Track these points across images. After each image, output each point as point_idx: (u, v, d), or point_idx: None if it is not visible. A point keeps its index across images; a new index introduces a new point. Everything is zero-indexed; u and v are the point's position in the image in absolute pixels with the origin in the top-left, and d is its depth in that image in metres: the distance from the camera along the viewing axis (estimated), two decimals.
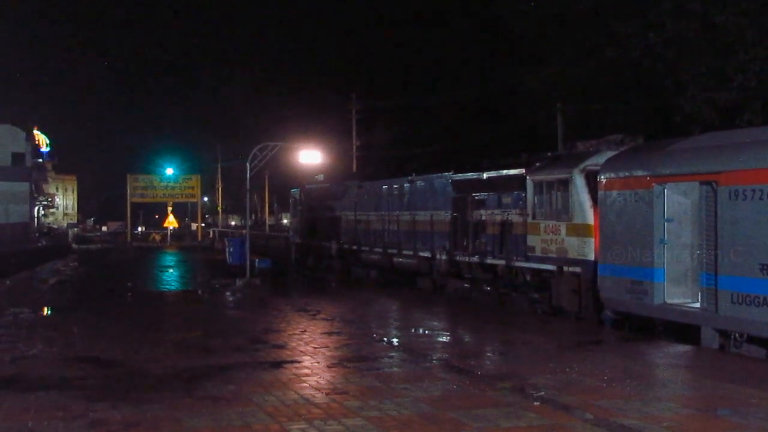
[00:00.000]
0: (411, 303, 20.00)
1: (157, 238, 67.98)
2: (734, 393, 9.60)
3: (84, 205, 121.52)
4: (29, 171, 64.59)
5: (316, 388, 9.86)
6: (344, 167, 44.45)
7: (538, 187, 17.51)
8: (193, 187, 63.44)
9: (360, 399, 9.28)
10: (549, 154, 19.17)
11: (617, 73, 29.33)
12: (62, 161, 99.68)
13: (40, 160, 77.23)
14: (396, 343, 13.60)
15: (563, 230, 16.68)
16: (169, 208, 63.31)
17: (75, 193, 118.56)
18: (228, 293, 22.37)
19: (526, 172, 18.10)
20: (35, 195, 69.57)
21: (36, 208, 71.18)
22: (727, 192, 12.25)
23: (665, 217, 13.83)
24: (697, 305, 13.18)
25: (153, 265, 36.58)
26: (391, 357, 12.23)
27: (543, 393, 9.53)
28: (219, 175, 77.86)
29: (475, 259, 19.98)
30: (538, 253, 17.45)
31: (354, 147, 48.00)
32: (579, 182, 16.35)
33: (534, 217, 17.63)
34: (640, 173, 14.25)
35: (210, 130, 78.34)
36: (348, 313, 18.00)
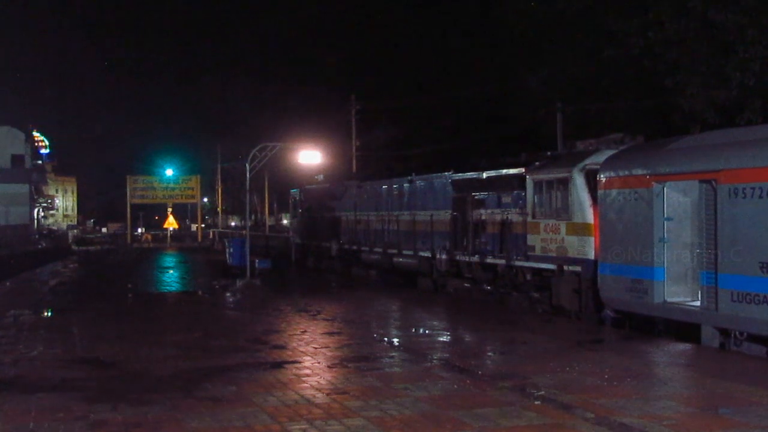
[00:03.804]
0: (411, 303, 20.00)
1: (150, 238, 68.01)
2: (735, 391, 9.61)
3: (84, 207, 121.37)
4: (29, 173, 64.57)
5: (317, 389, 9.87)
6: (344, 167, 44.45)
7: (538, 186, 17.52)
8: (192, 188, 63.45)
9: (361, 399, 9.28)
10: (548, 153, 19.18)
11: (617, 73, 29.30)
12: (62, 163, 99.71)
13: (40, 161, 77.22)
14: (396, 343, 13.61)
15: (563, 229, 16.69)
16: (169, 209, 63.32)
17: (75, 194, 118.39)
18: (228, 294, 22.37)
19: (525, 172, 18.11)
20: (35, 197, 69.55)
21: (36, 210, 71.18)
22: (727, 190, 12.25)
23: (665, 215, 13.84)
24: (698, 304, 13.19)
25: (153, 267, 36.58)
26: (392, 357, 12.24)
27: (544, 392, 9.53)
28: (219, 176, 77.81)
29: (476, 258, 19.99)
30: (538, 252, 17.46)
31: (354, 147, 47.97)
32: (579, 181, 16.35)
33: (534, 217, 17.63)
34: (639, 172, 14.26)
35: (210, 131, 78.37)
36: (348, 313, 18.01)
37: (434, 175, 23.12)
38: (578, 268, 16.16)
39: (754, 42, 21.30)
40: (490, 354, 13.01)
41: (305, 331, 14.80)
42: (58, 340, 13.88)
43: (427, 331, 15.15)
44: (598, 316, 15.83)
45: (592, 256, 15.78)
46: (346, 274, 28.70)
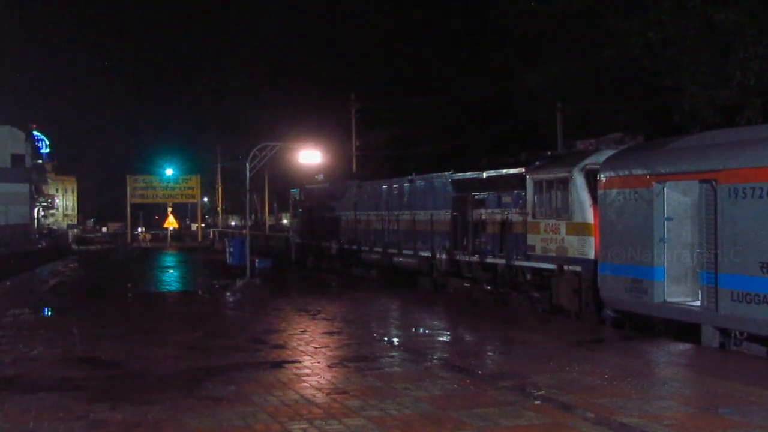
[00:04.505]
0: (411, 302, 20.01)
1: (147, 237, 68.02)
2: (735, 391, 9.61)
3: (84, 206, 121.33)
4: (29, 172, 64.57)
5: (317, 388, 9.87)
6: (344, 167, 44.43)
7: (538, 186, 17.52)
8: (192, 188, 63.47)
9: (361, 399, 9.28)
10: (548, 153, 19.18)
11: (617, 72, 29.32)
12: (62, 162, 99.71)
13: (40, 161, 77.20)
14: (396, 343, 13.61)
15: (563, 229, 16.69)
16: (169, 209, 63.32)
17: (75, 194, 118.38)
18: (228, 293, 22.37)
19: (525, 171, 18.11)
20: (35, 196, 69.54)
21: (36, 210, 71.16)
22: (727, 190, 12.25)
23: (665, 215, 13.84)
24: (698, 303, 13.19)
25: (153, 266, 36.59)
26: (392, 356, 12.24)
27: (543, 392, 9.53)
28: (219, 176, 77.81)
29: (476, 258, 19.99)
30: (538, 252, 17.46)
31: (354, 147, 47.97)
32: (579, 181, 16.35)
33: (534, 216, 17.63)
34: (639, 172, 14.25)
35: (210, 131, 78.30)
36: (348, 312, 18.01)
37: (434, 174, 23.11)
38: (578, 268, 16.16)
39: (754, 41, 21.31)
40: (490, 354, 13.02)
41: (305, 331, 14.81)
42: (58, 340, 13.89)
43: (427, 331, 15.15)
44: (598, 316, 15.83)
45: (592, 255, 15.78)
46: (346, 273, 28.70)
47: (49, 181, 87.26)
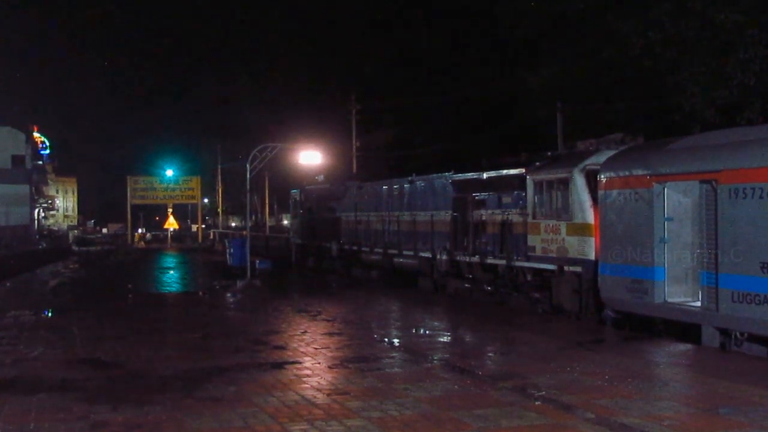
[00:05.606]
0: (412, 303, 20.01)
1: (147, 236, 68.06)
2: (735, 391, 9.61)
3: (84, 207, 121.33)
4: (29, 173, 64.60)
5: (318, 389, 9.87)
6: (344, 168, 44.45)
7: (539, 186, 17.52)
8: (193, 189, 63.50)
9: (361, 399, 9.28)
10: (549, 153, 19.18)
11: (617, 72, 29.30)
12: (62, 163, 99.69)
13: (41, 162, 77.23)
14: (397, 344, 13.61)
15: (563, 230, 16.69)
16: (170, 210, 63.35)
17: (75, 195, 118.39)
18: (228, 294, 22.37)
19: (526, 172, 18.12)
20: (35, 197, 69.57)
21: (36, 211, 71.17)
22: (727, 190, 12.25)
23: (665, 216, 13.84)
24: (698, 304, 13.19)
25: (153, 267, 36.59)
26: (392, 357, 12.24)
27: (544, 392, 9.53)
28: (219, 177, 77.82)
29: (476, 259, 19.99)
30: (538, 252, 17.46)
31: (354, 148, 47.98)
32: (579, 181, 16.35)
33: (534, 217, 17.64)
34: (640, 172, 14.26)
35: (210, 132, 78.34)
36: (349, 313, 18.01)
37: (434, 175, 23.13)
38: (579, 269, 16.16)
39: (754, 42, 21.30)
40: (490, 354, 13.02)
41: (305, 332, 14.81)
42: (59, 341, 13.89)
43: (427, 332, 15.15)
44: (599, 317, 15.83)
45: (592, 256, 15.78)
46: (346, 274, 28.71)
47: (49, 182, 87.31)
